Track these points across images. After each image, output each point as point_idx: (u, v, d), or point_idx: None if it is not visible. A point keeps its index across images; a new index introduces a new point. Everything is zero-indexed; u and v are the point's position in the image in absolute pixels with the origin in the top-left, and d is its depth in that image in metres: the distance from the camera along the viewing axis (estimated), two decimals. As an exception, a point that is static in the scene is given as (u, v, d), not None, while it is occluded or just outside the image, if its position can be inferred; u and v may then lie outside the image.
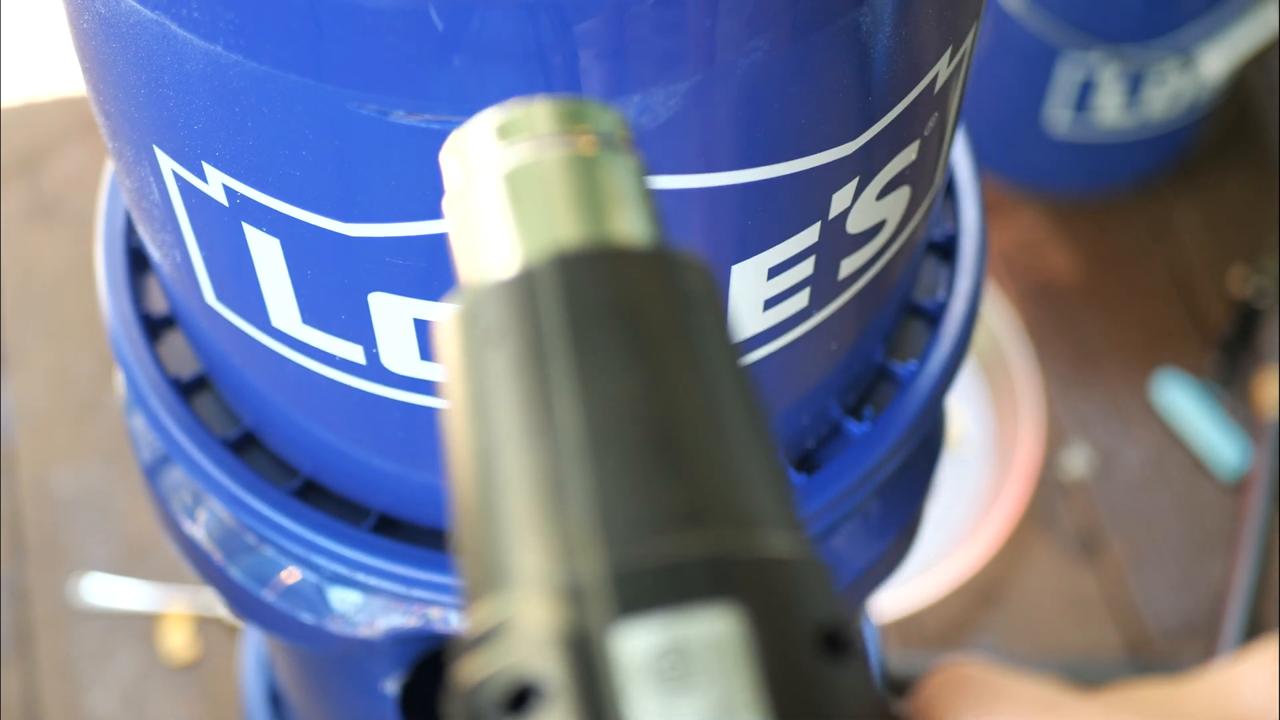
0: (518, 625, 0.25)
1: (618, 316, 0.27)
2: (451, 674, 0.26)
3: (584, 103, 0.30)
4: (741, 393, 0.28)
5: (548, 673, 0.25)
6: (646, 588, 0.25)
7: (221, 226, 0.42)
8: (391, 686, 0.61)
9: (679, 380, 0.27)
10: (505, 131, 0.29)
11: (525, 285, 0.28)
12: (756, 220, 0.41)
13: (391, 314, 0.42)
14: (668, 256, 0.29)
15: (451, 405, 0.28)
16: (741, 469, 0.27)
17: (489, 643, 0.26)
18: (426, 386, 0.45)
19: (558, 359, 0.27)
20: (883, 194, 0.44)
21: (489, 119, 0.29)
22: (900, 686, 1.11)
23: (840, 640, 0.26)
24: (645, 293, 0.28)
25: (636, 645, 0.25)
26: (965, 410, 1.35)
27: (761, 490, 0.27)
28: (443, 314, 0.29)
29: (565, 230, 0.28)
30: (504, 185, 0.29)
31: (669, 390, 0.27)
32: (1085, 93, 1.36)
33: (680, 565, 0.25)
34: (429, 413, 0.46)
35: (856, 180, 0.43)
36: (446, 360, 0.28)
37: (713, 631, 0.25)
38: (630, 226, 0.29)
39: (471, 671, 0.26)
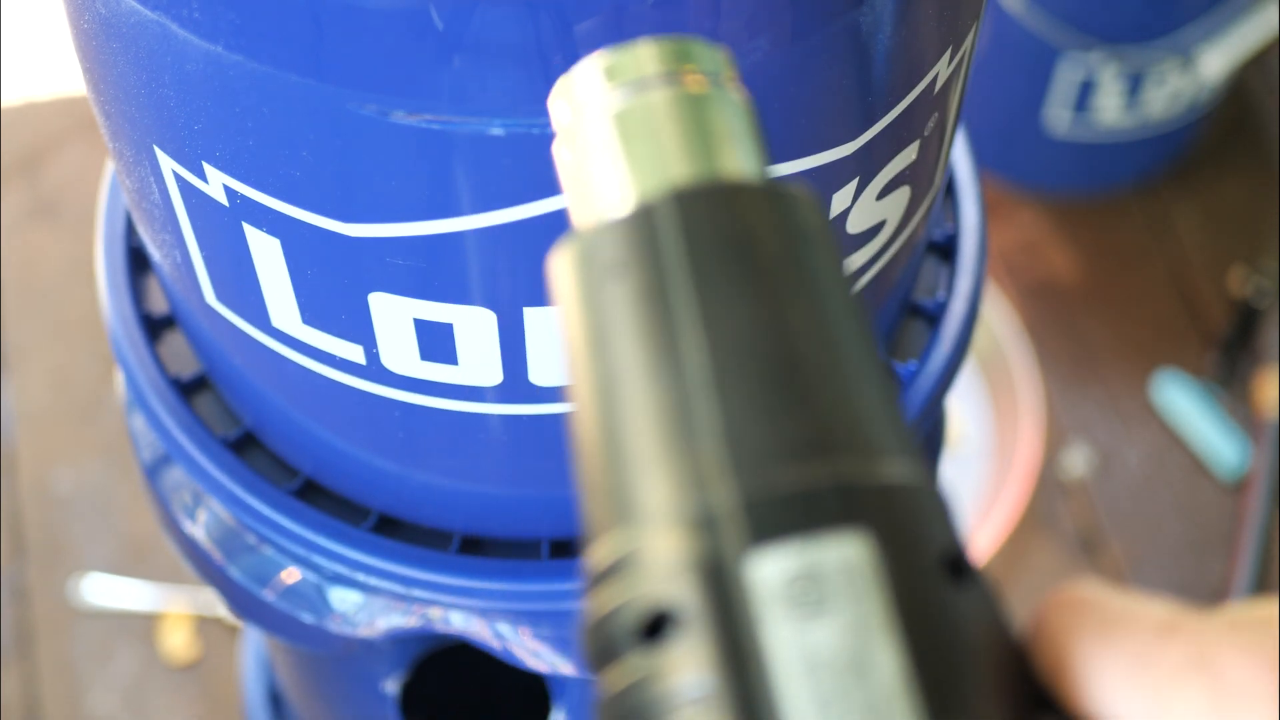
0: (649, 555, 0.26)
1: (736, 250, 0.28)
2: (582, 608, 0.27)
3: (690, 42, 0.30)
4: (857, 324, 0.28)
5: (683, 599, 0.25)
6: (778, 515, 0.25)
7: (221, 226, 0.43)
8: (391, 686, 0.61)
9: (799, 312, 0.28)
10: (613, 73, 0.30)
11: (644, 221, 0.28)
12: (756, 220, 0.41)
13: (391, 314, 0.42)
14: (781, 190, 0.29)
15: (570, 342, 0.29)
16: (862, 398, 0.27)
17: (619, 573, 0.26)
18: (426, 386, 0.45)
19: (680, 292, 0.27)
20: (883, 194, 0.44)
21: (596, 61, 0.30)
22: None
23: (963, 565, 0.26)
24: (761, 226, 0.28)
25: (770, 571, 0.25)
26: (965, 410, 1.35)
27: (881, 419, 0.27)
28: (558, 252, 0.29)
29: (679, 168, 0.29)
30: (615, 126, 0.29)
31: (790, 322, 0.27)
32: (1085, 93, 1.36)
33: (810, 492, 0.25)
34: (429, 413, 0.46)
35: (856, 180, 0.43)
36: (563, 297, 0.29)
37: (843, 556, 0.25)
38: (742, 162, 0.29)
39: (602, 602, 0.26)
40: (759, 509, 0.25)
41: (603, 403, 0.27)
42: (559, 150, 0.30)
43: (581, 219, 0.30)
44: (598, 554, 0.27)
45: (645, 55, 0.30)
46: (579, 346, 0.28)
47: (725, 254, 0.28)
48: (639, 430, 0.27)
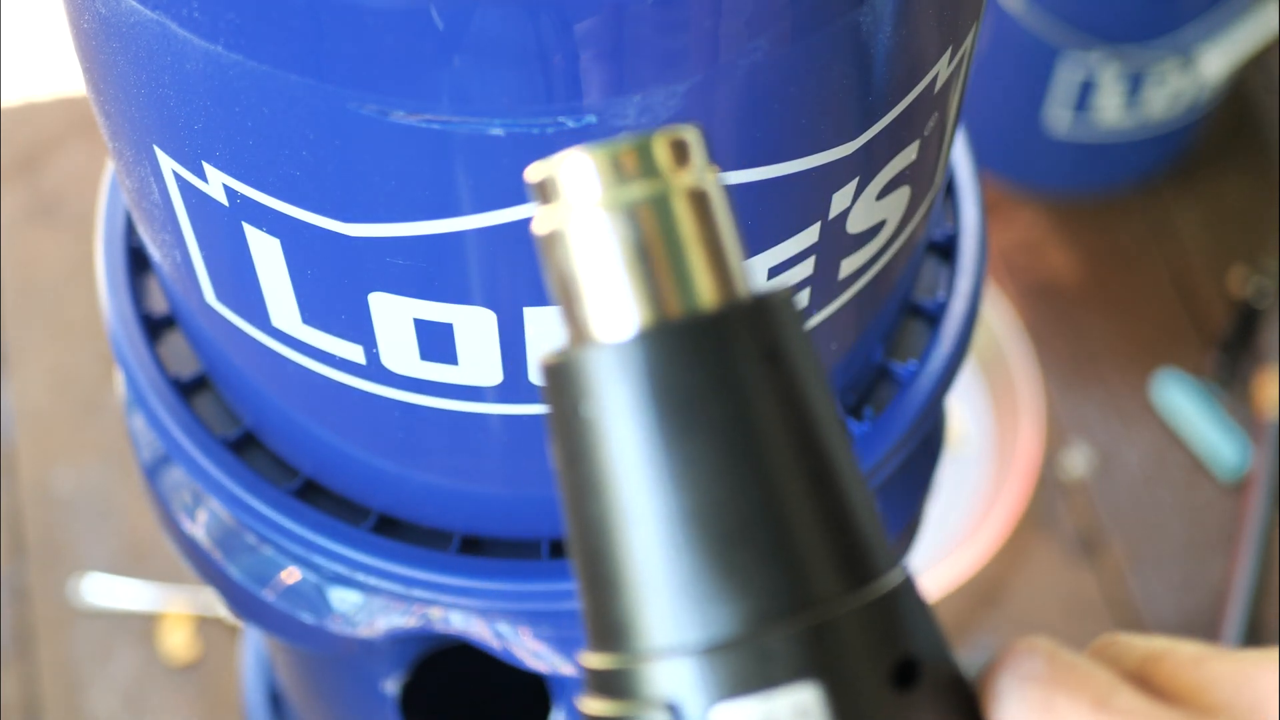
0: (633, 684, 0.30)
1: (702, 395, 0.29)
2: (580, 701, 0.31)
3: (659, 138, 0.30)
4: (825, 446, 0.30)
5: None
6: (738, 672, 0.29)
7: (221, 226, 0.42)
8: (391, 686, 0.61)
9: (762, 456, 0.30)
10: (601, 168, 0.30)
11: (614, 358, 0.29)
12: (756, 220, 0.41)
13: (391, 314, 0.42)
14: (750, 312, 0.30)
15: (556, 452, 0.31)
16: (821, 535, 0.30)
17: (610, 685, 0.30)
18: (426, 386, 0.45)
19: (648, 436, 0.29)
20: (883, 194, 0.44)
21: (577, 159, 0.30)
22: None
23: (911, 669, 0.30)
24: (727, 364, 0.30)
25: None
26: (965, 410, 1.35)
27: (839, 550, 0.30)
28: (545, 360, 0.30)
29: (649, 297, 0.30)
30: (591, 254, 0.30)
31: (752, 469, 0.30)
32: (1085, 93, 1.36)
33: (766, 650, 0.29)
34: (429, 413, 0.46)
35: (856, 180, 0.43)
36: (548, 407, 0.31)
37: (796, 703, 0.29)
38: (715, 278, 0.30)
39: (595, 705, 0.30)
40: (723, 666, 0.29)
41: (584, 523, 0.30)
42: (537, 235, 0.31)
43: (565, 327, 0.31)
44: (591, 658, 0.31)
45: (621, 163, 0.30)
46: (562, 459, 0.31)
47: (691, 399, 0.29)
48: (617, 564, 0.30)
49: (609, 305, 0.30)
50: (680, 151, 0.30)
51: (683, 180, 0.30)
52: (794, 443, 0.30)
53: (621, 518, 0.29)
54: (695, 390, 0.29)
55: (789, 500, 0.30)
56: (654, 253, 0.30)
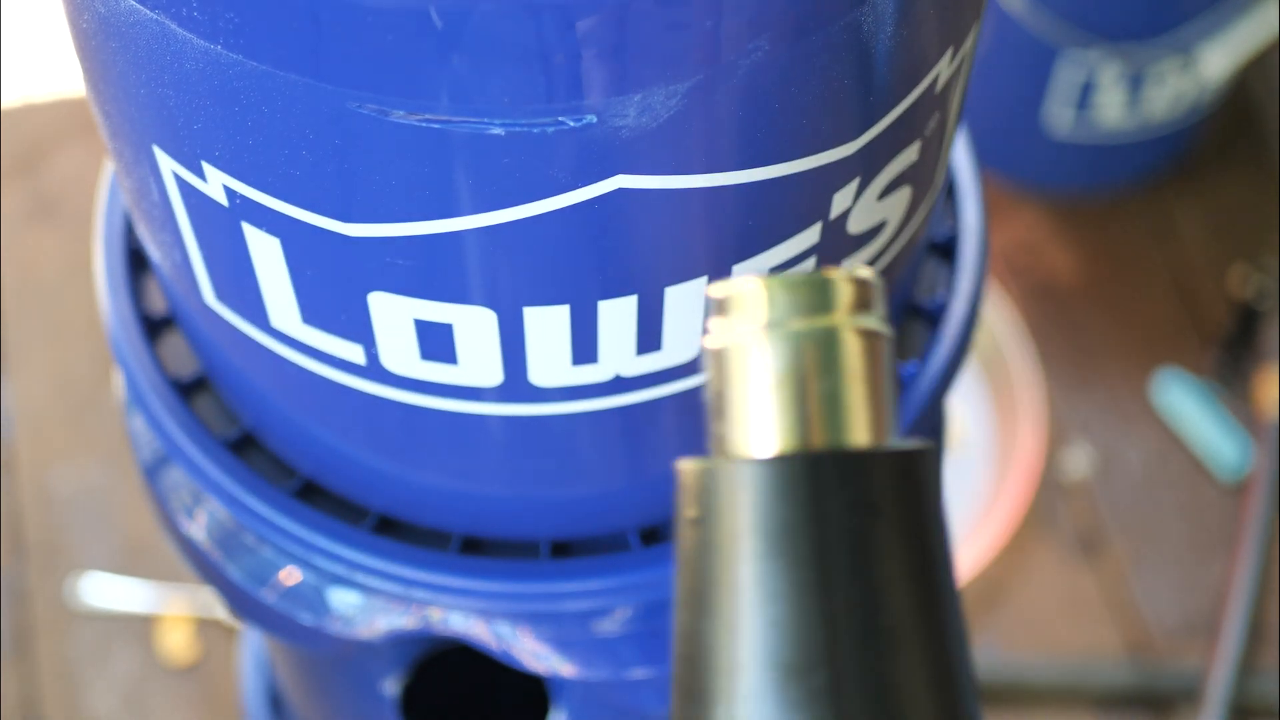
0: None
1: (807, 532, 0.31)
2: None
3: (835, 277, 0.32)
4: (932, 608, 0.32)
5: None
6: None
7: (221, 226, 0.42)
8: (391, 686, 0.61)
9: (845, 600, 0.31)
10: (776, 296, 0.32)
11: (747, 475, 0.31)
12: (758, 220, 0.41)
13: (391, 314, 0.42)
14: (896, 460, 0.32)
15: (678, 547, 0.33)
16: (889, 688, 0.31)
17: None
18: (426, 387, 0.45)
19: (745, 556, 0.31)
20: (884, 194, 0.44)
21: (756, 283, 0.32)
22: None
23: None
24: (866, 503, 0.31)
25: None
26: (965, 410, 1.35)
27: (909, 700, 0.31)
28: (685, 465, 0.32)
29: (797, 425, 0.31)
30: (755, 378, 0.32)
31: (833, 611, 0.31)
32: (1086, 93, 1.36)
33: None
34: (429, 413, 0.46)
35: (857, 180, 0.43)
36: (681, 506, 0.33)
37: None
38: (869, 419, 0.32)
39: None
40: None
41: (688, 615, 0.32)
42: (705, 364, 0.33)
43: (714, 434, 0.33)
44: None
45: (799, 294, 0.32)
46: (681, 557, 0.32)
47: (794, 529, 0.31)
48: (709, 662, 0.31)
49: (755, 425, 0.31)
50: (862, 292, 0.32)
51: (857, 321, 0.32)
52: (905, 604, 0.31)
53: (713, 628, 0.31)
54: (820, 523, 0.31)
55: (891, 660, 0.31)
56: (811, 384, 0.31)
